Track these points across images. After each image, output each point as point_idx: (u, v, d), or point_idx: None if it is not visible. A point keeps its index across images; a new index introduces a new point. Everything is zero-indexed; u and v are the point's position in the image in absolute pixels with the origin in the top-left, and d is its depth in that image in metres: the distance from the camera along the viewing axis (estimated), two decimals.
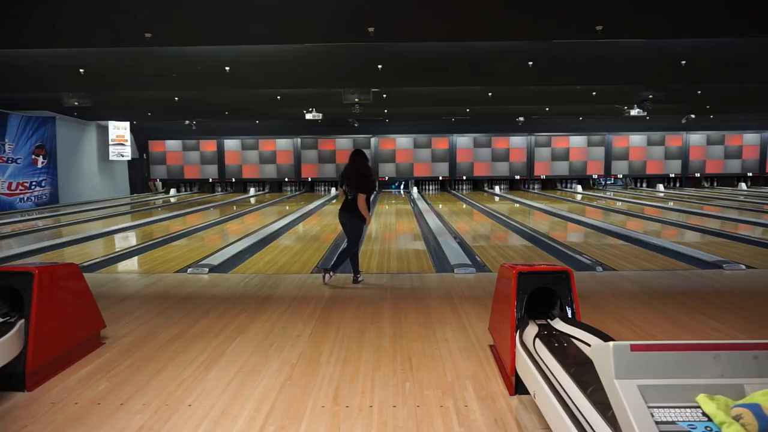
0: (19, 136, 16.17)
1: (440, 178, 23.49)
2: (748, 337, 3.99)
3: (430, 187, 23.81)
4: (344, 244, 6.07)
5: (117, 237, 10.51)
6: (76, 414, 2.89)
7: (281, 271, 6.76)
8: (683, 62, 10.11)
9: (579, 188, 23.27)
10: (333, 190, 22.53)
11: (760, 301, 5.13)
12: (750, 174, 23.21)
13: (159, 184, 23.86)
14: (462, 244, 8.62)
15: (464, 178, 23.51)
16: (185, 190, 24.06)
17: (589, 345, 2.42)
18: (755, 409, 1.62)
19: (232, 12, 6.80)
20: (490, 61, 10.24)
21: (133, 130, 21.73)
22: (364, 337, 4.11)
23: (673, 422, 1.69)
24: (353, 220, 5.73)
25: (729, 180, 23.65)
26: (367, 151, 23.96)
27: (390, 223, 12.16)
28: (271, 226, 11.24)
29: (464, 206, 16.40)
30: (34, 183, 16.89)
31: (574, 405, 2.09)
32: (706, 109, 18.32)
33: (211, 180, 23.70)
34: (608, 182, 24.07)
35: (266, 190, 23.73)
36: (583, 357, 2.40)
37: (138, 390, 3.18)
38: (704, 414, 1.71)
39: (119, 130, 20.77)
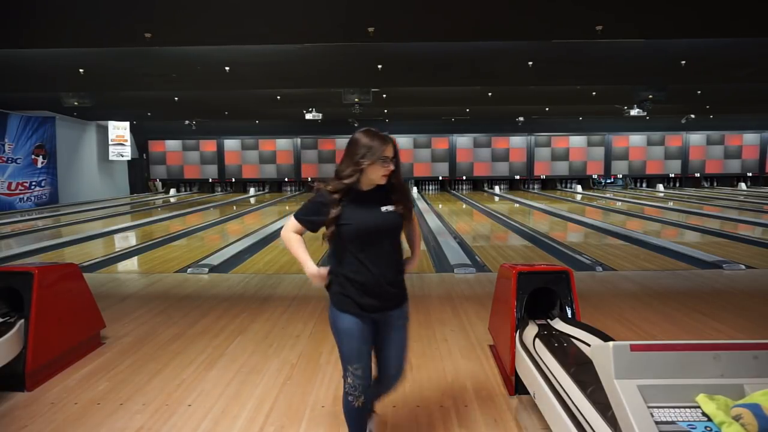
0: (18, 136, 16.17)
1: (440, 178, 23.47)
2: (748, 337, 3.99)
3: (430, 187, 23.80)
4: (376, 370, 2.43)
5: (117, 237, 10.50)
6: (76, 414, 2.89)
7: (281, 271, 6.76)
8: (683, 62, 10.11)
9: (579, 188, 23.26)
10: None
11: (760, 301, 5.13)
12: (750, 174, 23.19)
13: (159, 184, 23.84)
14: (462, 244, 8.61)
15: (464, 178, 23.49)
16: (185, 190, 24.04)
17: (589, 345, 2.42)
18: (755, 409, 1.62)
19: (232, 12, 6.80)
20: (490, 61, 10.23)
21: (133, 130, 21.72)
22: None
23: (673, 422, 1.69)
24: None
25: (729, 180, 23.63)
26: None
27: None
28: (271, 226, 11.23)
29: (464, 206, 16.39)
30: (33, 183, 16.89)
31: (574, 405, 2.09)
32: (706, 109, 18.32)
33: (211, 180, 23.68)
34: (608, 182, 24.02)
35: (266, 190, 23.71)
36: (583, 357, 2.39)
37: (138, 390, 3.18)
38: (704, 414, 1.71)
39: (119, 130, 20.76)
